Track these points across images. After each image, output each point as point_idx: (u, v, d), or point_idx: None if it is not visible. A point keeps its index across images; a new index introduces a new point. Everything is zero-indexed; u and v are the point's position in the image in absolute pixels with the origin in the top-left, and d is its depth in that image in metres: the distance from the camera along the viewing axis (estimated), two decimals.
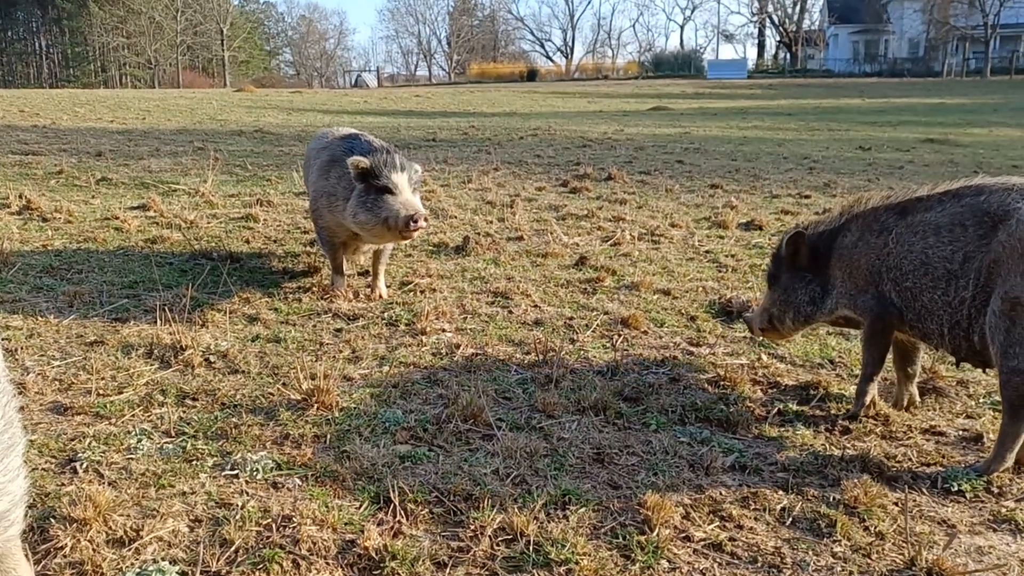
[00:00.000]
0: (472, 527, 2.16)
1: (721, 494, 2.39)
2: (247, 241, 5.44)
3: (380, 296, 4.29)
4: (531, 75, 60.86)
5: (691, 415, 2.92)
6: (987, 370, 2.71)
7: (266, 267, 4.85)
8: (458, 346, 3.56)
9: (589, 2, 78.90)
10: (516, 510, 2.20)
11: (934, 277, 2.62)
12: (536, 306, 4.24)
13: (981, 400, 3.13)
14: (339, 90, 46.27)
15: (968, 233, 2.54)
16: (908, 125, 19.04)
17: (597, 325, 3.93)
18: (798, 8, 67.49)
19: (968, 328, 2.54)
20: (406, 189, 3.80)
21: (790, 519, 2.26)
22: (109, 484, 2.31)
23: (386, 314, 4.00)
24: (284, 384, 3.04)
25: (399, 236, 3.82)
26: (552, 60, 78.46)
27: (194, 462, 2.47)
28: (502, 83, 52.57)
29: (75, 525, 2.06)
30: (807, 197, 8.05)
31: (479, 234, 5.76)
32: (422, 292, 4.41)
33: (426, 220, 3.75)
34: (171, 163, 8.92)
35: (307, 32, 74.98)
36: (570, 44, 78.55)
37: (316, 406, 2.83)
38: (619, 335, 3.81)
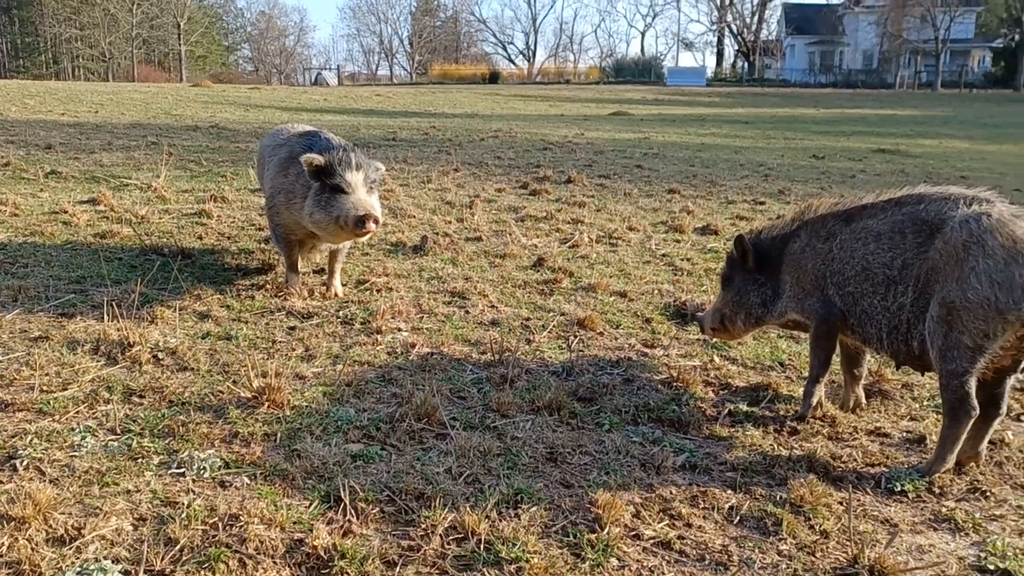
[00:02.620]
0: (423, 526, 2.14)
1: (671, 493, 2.41)
2: (200, 237, 5.35)
3: (335, 294, 4.25)
4: (493, 77, 60.89)
5: (644, 415, 2.95)
6: (925, 374, 2.78)
7: (219, 264, 4.77)
8: (413, 345, 3.55)
9: (552, 6, 79.27)
10: (468, 509, 2.20)
11: (874, 282, 2.68)
12: (493, 306, 4.24)
13: (925, 403, 3.21)
14: (298, 87, 45.76)
15: (907, 240, 2.61)
16: (861, 135, 19.47)
17: (554, 326, 3.95)
18: (756, 18, 68.75)
19: (907, 333, 2.61)
20: (360, 188, 3.77)
21: (738, 518, 2.29)
22: (50, 482, 2.25)
23: (341, 312, 3.96)
24: (234, 382, 2.99)
25: (352, 235, 3.79)
26: (514, 63, 78.68)
27: (140, 460, 2.42)
28: (464, 84, 52.49)
29: (13, 524, 2.01)
30: (762, 203, 8.18)
31: (437, 234, 5.74)
32: (378, 291, 4.38)
33: (377, 222, 3.72)
34: (123, 157, 8.73)
35: (266, 28, 74.01)
36: (532, 47, 78.83)
37: (267, 404, 2.79)
38: (575, 336, 3.83)
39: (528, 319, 4.06)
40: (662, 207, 7.64)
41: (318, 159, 3.75)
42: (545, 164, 10.44)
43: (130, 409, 2.76)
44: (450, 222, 6.30)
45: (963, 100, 41.64)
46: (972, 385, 2.44)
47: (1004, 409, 2.59)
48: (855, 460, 2.69)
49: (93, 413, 2.71)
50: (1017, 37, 52.66)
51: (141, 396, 2.87)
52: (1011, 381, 2.56)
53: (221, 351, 3.34)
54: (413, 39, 72.94)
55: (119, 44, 57.89)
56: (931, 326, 2.50)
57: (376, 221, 3.72)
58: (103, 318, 3.51)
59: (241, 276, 4.52)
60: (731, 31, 70.32)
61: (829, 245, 2.87)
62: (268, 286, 4.30)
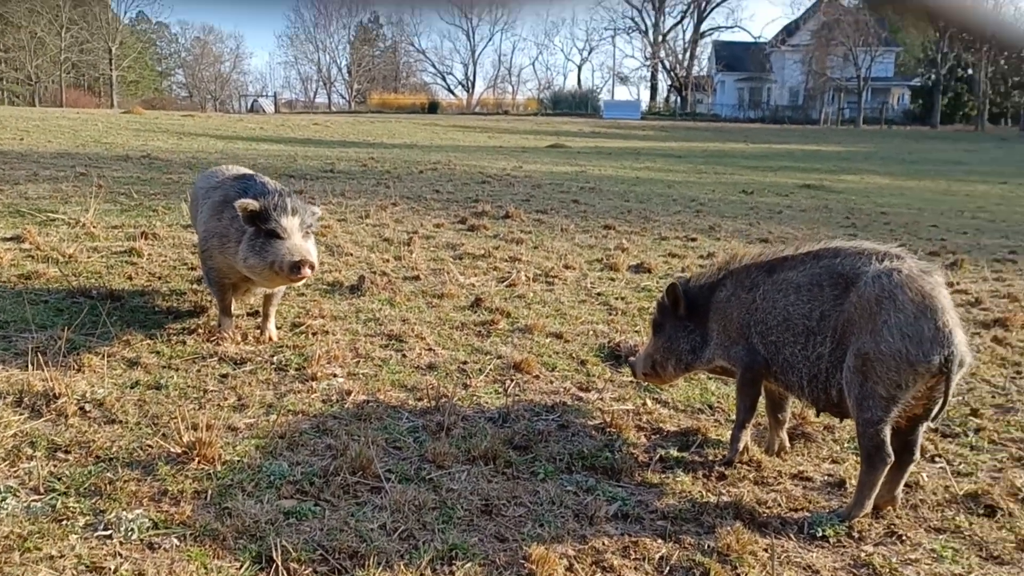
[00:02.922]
0: None
1: (604, 544, 2.46)
2: (130, 278, 5.23)
3: (270, 338, 4.21)
4: (432, 107, 61.18)
5: (578, 463, 3.00)
6: (844, 420, 2.91)
7: (149, 306, 4.68)
8: (349, 392, 3.54)
9: (490, 39, 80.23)
10: (402, 567, 2.20)
11: (795, 332, 2.81)
12: (430, 349, 4.25)
13: (845, 445, 3.35)
14: (234, 115, 45.15)
15: (824, 293, 2.75)
16: (787, 170, 20.19)
17: (490, 369, 3.99)
18: (688, 55, 70.88)
19: (826, 381, 2.74)
20: (296, 233, 3.76)
21: (667, 568, 2.35)
22: None
23: (275, 358, 3.93)
24: (164, 435, 2.93)
25: (287, 280, 3.79)
26: (453, 93, 79.13)
27: (64, 522, 2.35)
28: (403, 114, 52.61)
29: None
30: (694, 240, 8.41)
31: (375, 273, 5.73)
32: (314, 334, 4.35)
33: (312, 267, 3.72)
34: (50, 189, 8.48)
35: (202, 54, 72.85)
36: (471, 78, 79.45)
37: (197, 459, 2.75)
38: (511, 380, 3.87)
39: (465, 362, 4.09)
40: (598, 244, 7.78)
41: (253, 204, 3.74)
42: (484, 198, 10.54)
43: (55, 466, 2.68)
44: (388, 260, 6.31)
45: (884, 136, 43.56)
46: (887, 433, 2.56)
47: (918, 455, 2.73)
48: (779, 505, 2.79)
49: (15, 471, 2.63)
50: (933, 76, 55.48)
51: (67, 452, 2.79)
52: (923, 428, 2.70)
53: (151, 402, 3.28)
54: (352, 68, 72.77)
55: (46, 68, 56.20)
56: (848, 376, 2.62)
57: (311, 267, 3.72)
58: (27, 367, 3.41)
59: (172, 319, 4.44)
60: (664, 67, 72.30)
61: (753, 295, 2.99)
62: (200, 330, 4.23)
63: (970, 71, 55.26)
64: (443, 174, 13.94)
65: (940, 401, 2.55)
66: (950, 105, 56.50)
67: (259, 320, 4.39)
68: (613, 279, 6.24)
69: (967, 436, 3.47)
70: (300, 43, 74.69)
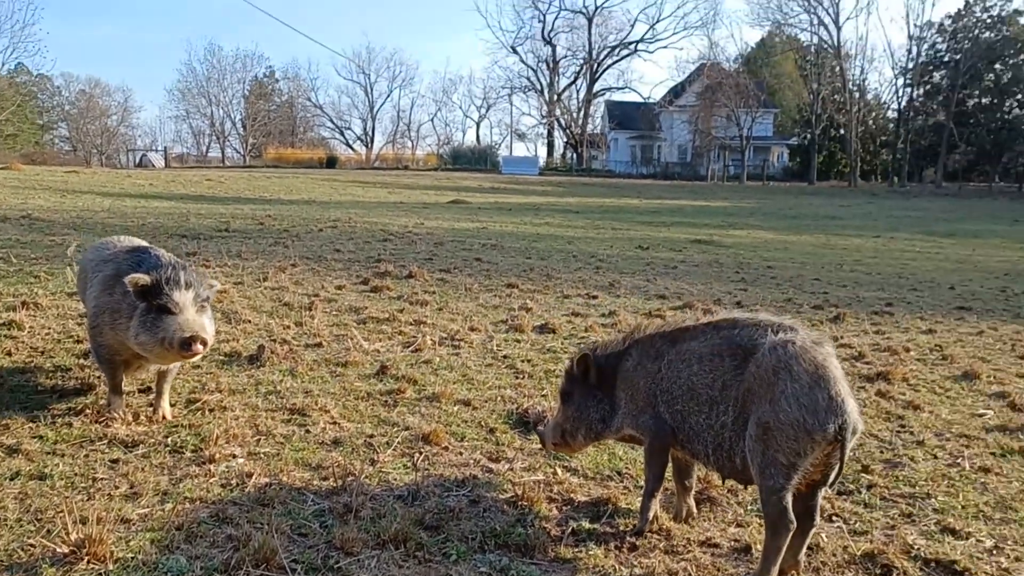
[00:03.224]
0: None
1: None
2: (9, 353, 4.90)
3: (164, 417, 4.01)
4: (331, 162, 60.79)
5: (491, 541, 2.96)
6: (748, 487, 3.00)
7: (31, 385, 4.38)
8: (250, 474, 3.39)
9: (388, 95, 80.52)
10: None
11: (699, 402, 2.90)
12: (335, 423, 4.14)
13: (749, 507, 3.44)
14: (122, 170, 43.52)
15: (725, 363, 2.85)
16: (679, 226, 21.01)
17: (398, 442, 3.91)
18: (582, 113, 73.43)
19: (731, 450, 2.82)
20: (189, 308, 3.63)
21: None
22: None
23: (170, 439, 3.73)
24: (49, 532, 2.73)
25: (179, 357, 3.64)
26: (352, 148, 79.02)
27: None
28: (300, 168, 51.99)
29: None
30: (595, 297, 8.59)
31: (275, 341, 5.58)
32: (211, 411, 4.17)
33: (204, 343, 3.59)
34: None
35: (87, 107, 70.08)
36: (370, 134, 79.66)
37: (87, 559, 2.56)
38: (420, 452, 3.81)
39: (372, 436, 4.00)
40: (502, 303, 7.83)
41: (144, 279, 3.59)
42: (386, 257, 10.48)
43: None
44: (288, 326, 6.15)
45: (766, 192, 46.05)
46: (789, 500, 2.65)
47: (818, 519, 2.84)
48: (690, 574, 2.83)
49: None
50: (809, 136, 59.27)
51: None
52: (822, 492, 2.81)
53: (33, 494, 3.05)
54: (247, 122, 71.60)
55: None
56: (751, 445, 2.71)
57: (204, 343, 3.59)
58: None
59: (57, 399, 4.17)
60: (560, 124, 74.67)
61: (658, 365, 3.07)
62: (88, 410, 3.99)
63: (842, 131, 59.34)
64: (343, 232, 13.81)
65: (836, 467, 2.67)
66: (825, 163, 60.44)
67: (152, 397, 4.18)
68: (519, 340, 6.28)
69: (860, 493, 3.63)
70: (192, 97, 73.08)
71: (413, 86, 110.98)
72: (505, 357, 5.74)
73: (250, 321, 6.21)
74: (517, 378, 5.23)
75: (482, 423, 4.30)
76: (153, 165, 51.78)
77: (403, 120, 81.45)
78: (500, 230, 16.75)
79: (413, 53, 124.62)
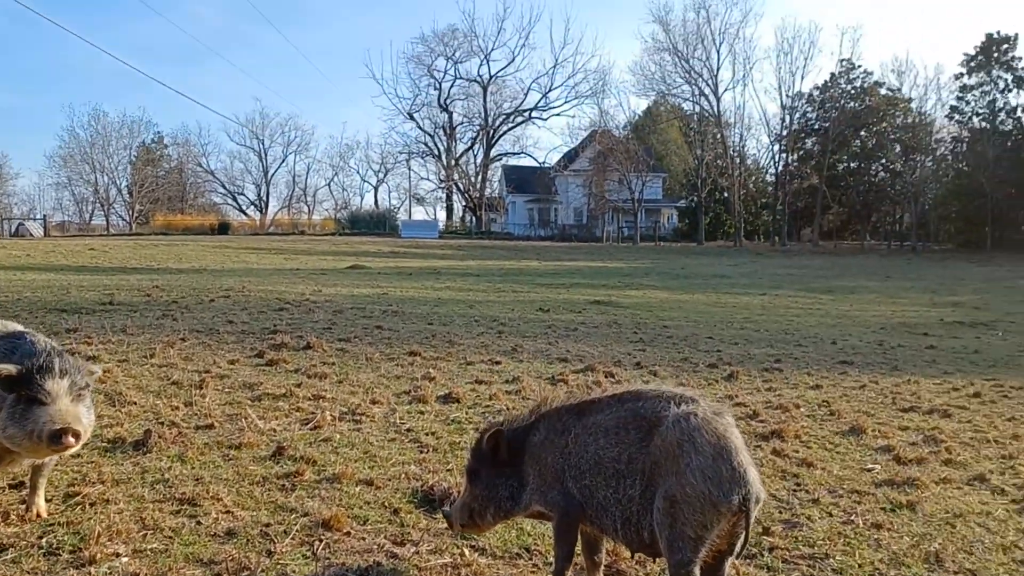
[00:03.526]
0: None
1: None
2: None
3: (38, 515, 3.68)
4: (223, 228, 59.26)
5: None
6: (657, 560, 2.99)
7: None
8: (136, 575, 3.14)
9: (283, 160, 79.51)
10: None
11: (606, 476, 2.89)
12: (228, 512, 3.91)
13: None
14: None
15: (631, 436, 2.87)
16: (578, 287, 21.42)
17: (297, 530, 3.72)
18: (480, 178, 74.66)
19: (639, 523, 2.82)
20: (62, 397, 3.37)
21: None
22: None
23: (45, 540, 3.43)
24: None
25: (50, 451, 3.36)
26: (246, 213, 77.28)
27: None
28: (191, 235, 50.41)
29: None
30: (498, 363, 8.56)
31: (163, 424, 5.27)
32: (92, 505, 3.87)
33: (77, 436, 3.32)
34: None
35: None
36: (265, 198, 78.25)
37: None
38: (320, 540, 3.63)
39: (268, 524, 3.79)
40: (404, 373, 7.70)
41: (9, 369, 3.33)
42: (282, 328, 10.17)
43: None
44: (178, 407, 5.83)
45: (658, 252, 47.73)
46: (697, 572, 2.66)
47: None
48: None
49: None
50: (696, 199, 62.10)
51: None
52: (730, 562, 2.83)
53: None
54: (133, 188, 69.00)
55: None
56: (658, 518, 2.71)
57: (76, 435, 3.32)
58: None
59: None
60: (458, 188, 75.51)
61: (565, 439, 3.05)
62: None
63: (726, 194, 62.50)
64: (237, 302, 13.36)
65: (742, 536, 2.71)
66: (712, 223, 63.35)
67: (25, 493, 3.84)
68: (422, 412, 6.16)
69: (763, 556, 3.68)
70: (75, 163, 69.89)
71: (309, 151, 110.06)
72: (408, 430, 5.61)
73: (136, 403, 5.86)
74: (421, 452, 5.11)
75: (386, 503, 4.16)
76: (31, 234, 49.00)
77: (299, 185, 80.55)
78: (401, 295, 16.61)
79: (308, 119, 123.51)
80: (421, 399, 6.52)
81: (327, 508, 3.99)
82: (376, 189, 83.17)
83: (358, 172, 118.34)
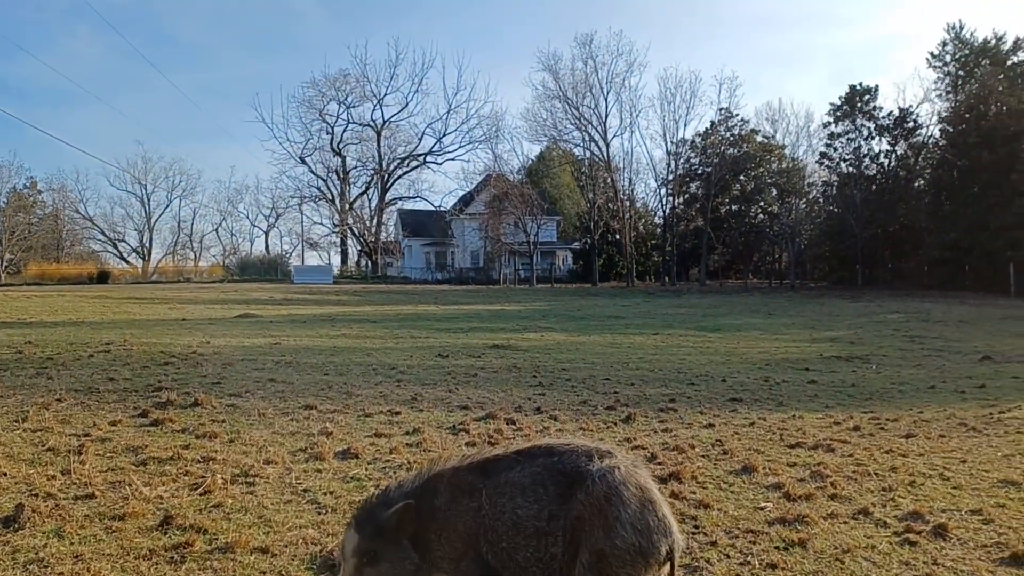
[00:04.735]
0: None
1: None
2: None
3: None
4: (102, 277, 56.40)
5: None
6: None
7: None
8: None
9: (168, 205, 76.68)
10: None
11: (526, 535, 2.86)
12: None
13: None
14: None
15: (550, 493, 2.85)
16: (477, 331, 21.40)
17: None
18: (375, 222, 74.13)
19: None
20: None
21: None
22: None
23: None
24: None
25: None
26: (127, 261, 73.90)
27: None
28: (67, 285, 47.66)
29: None
30: (398, 413, 8.43)
31: (37, 496, 4.91)
32: None
33: None
34: None
35: None
36: (147, 245, 75.09)
37: None
38: None
39: None
40: (300, 429, 7.47)
41: None
42: (168, 384, 9.72)
43: None
44: (54, 477, 5.45)
45: (555, 293, 48.44)
46: None
47: None
48: None
49: None
50: (589, 241, 63.62)
51: None
52: None
53: None
54: (3, 237, 64.85)
55: None
56: (582, 573, 2.71)
57: None
58: None
59: None
60: (353, 232, 74.71)
61: (478, 501, 2.94)
62: None
63: (617, 236, 64.33)
64: (118, 356, 12.67)
65: None
66: (605, 265, 64.99)
67: None
68: (319, 470, 5.98)
69: None
70: None
71: (195, 195, 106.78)
72: (306, 491, 5.43)
73: (6, 474, 5.44)
74: (320, 514, 4.95)
75: (282, 572, 4.00)
76: None
77: (184, 230, 77.80)
78: (295, 344, 16.15)
79: (194, 162, 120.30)
80: (318, 456, 6.33)
81: None
82: (267, 234, 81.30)
83: (247, 217, 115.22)
